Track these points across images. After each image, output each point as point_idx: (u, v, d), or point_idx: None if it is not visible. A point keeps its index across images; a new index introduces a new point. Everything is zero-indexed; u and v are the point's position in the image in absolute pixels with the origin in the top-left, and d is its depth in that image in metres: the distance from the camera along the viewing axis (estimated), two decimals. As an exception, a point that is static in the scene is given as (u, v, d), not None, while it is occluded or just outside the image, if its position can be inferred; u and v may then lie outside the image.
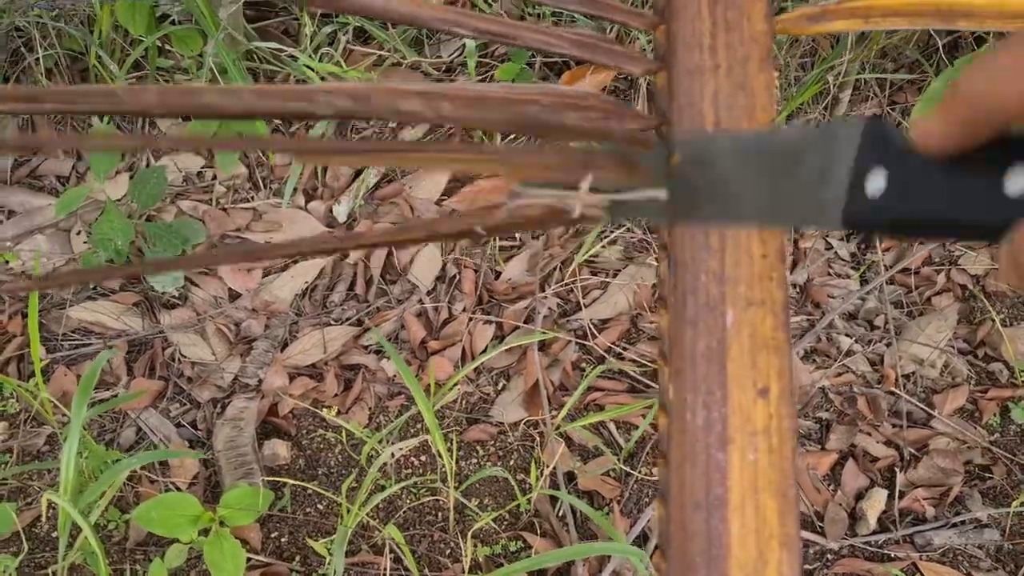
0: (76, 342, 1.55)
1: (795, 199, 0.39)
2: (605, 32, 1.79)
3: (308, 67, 1.71)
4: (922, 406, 1.57)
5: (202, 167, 1.76)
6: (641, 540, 1.40)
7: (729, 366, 0.58)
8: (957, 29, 0.60)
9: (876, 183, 0.34)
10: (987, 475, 1.51)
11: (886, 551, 1.42)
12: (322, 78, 1.74)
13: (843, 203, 0.35)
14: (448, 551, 1.38)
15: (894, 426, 1.54)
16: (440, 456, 1.41)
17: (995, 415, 1.57)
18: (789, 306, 0.59)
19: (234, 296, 1.64)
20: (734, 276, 0.59)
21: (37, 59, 1.67)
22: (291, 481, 1.41)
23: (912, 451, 1.52)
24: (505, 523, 1.42)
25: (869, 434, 1.53)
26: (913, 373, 1.61)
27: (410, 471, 1.46)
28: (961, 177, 0.32)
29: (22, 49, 1.70)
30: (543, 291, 1.64)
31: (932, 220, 0.33)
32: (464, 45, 1.81)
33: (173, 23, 1.68)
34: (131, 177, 1.69)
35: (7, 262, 1.61)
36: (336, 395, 1.53)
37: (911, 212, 0.33)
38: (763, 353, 0.59)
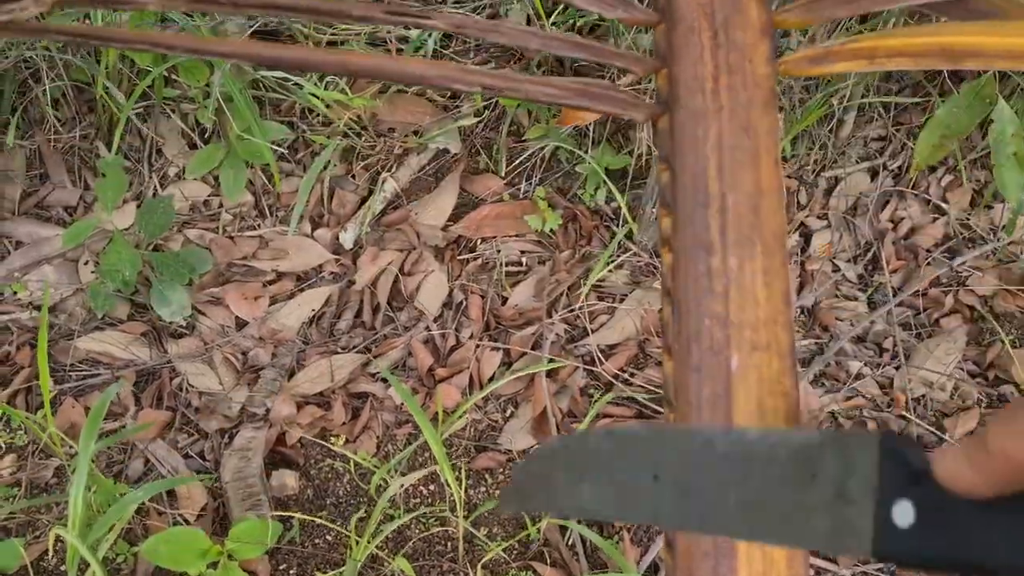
0: (84, 373, 1.55)
1: (814, 518, 0.35)
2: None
3: (313, 95, 1.71)
4: (933, 430, 1.56)
5: (208, 195, 1.77)
6: (652, 570, 1.39)
7: (735, 412, 0.58)
8: (964, 69, 0.60)
9: (904, 515, 0.32)
10: (1000, 499, 1.49)
11: (899, 578, 1.41)
12: (327, 106, 1.75)
13: (871, 533, 0.33)
14: (457, 581, 1.37)
15: (905, 450, 1.53)
16: (449, 485, 1.40)
17: (1007, 438, 1.56)
18: (795, 351, 0.59)
19: (241, 325, 1.64)
20: (739, 320, 0.59)
21: (44, 90, 1.68)
22: (299, 516, 1.41)
23: (923, 476, 1.51)
24: (515, 553, 1.41)
25: (880, 459, 1.52)
26: (923, 396, 1.60)
27: (418, 500, 1.45)
28: (998, 516, 0.30)
29: (29, 80, 1.71)
30: (550, 317, 1.64)
31: (972, 562, 0.30)
32: (469, 71, 1.82)
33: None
34: (138, 206, 1.70)
35: (15, 293, 1.62)
36: (344, 424, 1.53)
37: (948, 552, 0.31)
38: (770, 399, 0.58)
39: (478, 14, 1.80)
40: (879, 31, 0.60)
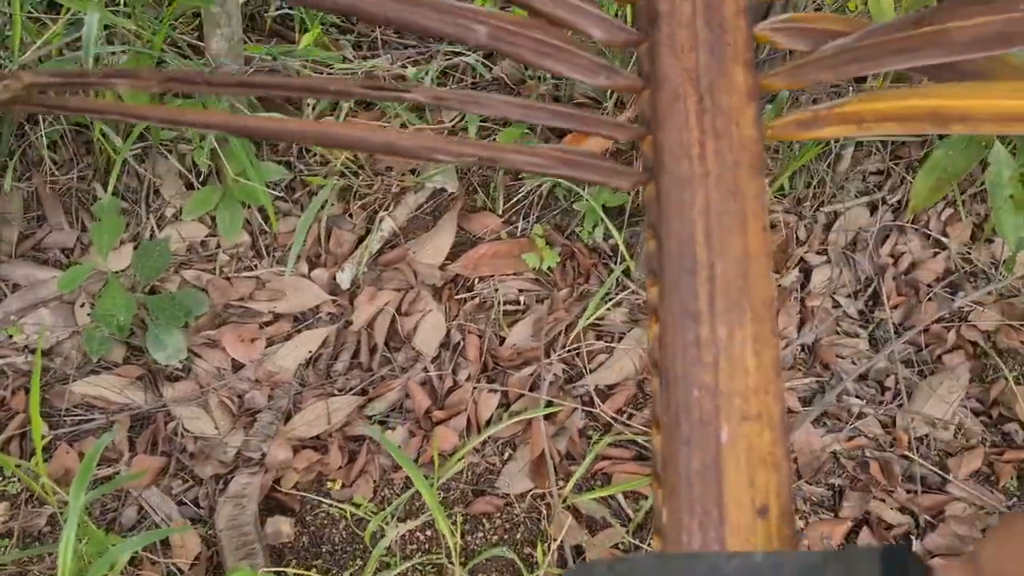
0: (79, 417, 1.54)
1: None
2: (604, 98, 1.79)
3: (310, 135, 1.71)
4: (936, 470, 1.54)
5: (206, 235, 1.77)
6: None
7: (725, 485, 0.56)
8: (951, 133, 0.60)
9: None
10: (1006, 542, 1.47)
11: (904, 623, 1.38)
12: (324, 146, 1.75)
13: None
14: (454, 630, 1.35)
15: (908, 491, 1.51)
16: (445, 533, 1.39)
17: (1012, 478, 1.54)
18: (787, 421, 0.57)
19: (237, 367, 1.63)
20: (728, 390, 0.58)
21: (41, 133, 1.68)
22: (293, 571, 1.39)
23: (928, 518, 1.49)
24: (512, 600, 1.39)
25: (883, 500, 1.50)
26: (926, 435, 1.58)
27: (415, 547, 1.43)
28: None
29: (25, 124, 1.71)
30: (548, 356, 1.62)
31: None
32: (466, 109, 1.82)
33: (176, 96, 1.69)
34: (135, 248, 1.69)
35: (11, 336, 1.61)
36: (340, 468, 1.51)
37: None
38: (761, 470, 0.57)
39: (473, 54, 1.81)
40: (867, 93, 0.60)
